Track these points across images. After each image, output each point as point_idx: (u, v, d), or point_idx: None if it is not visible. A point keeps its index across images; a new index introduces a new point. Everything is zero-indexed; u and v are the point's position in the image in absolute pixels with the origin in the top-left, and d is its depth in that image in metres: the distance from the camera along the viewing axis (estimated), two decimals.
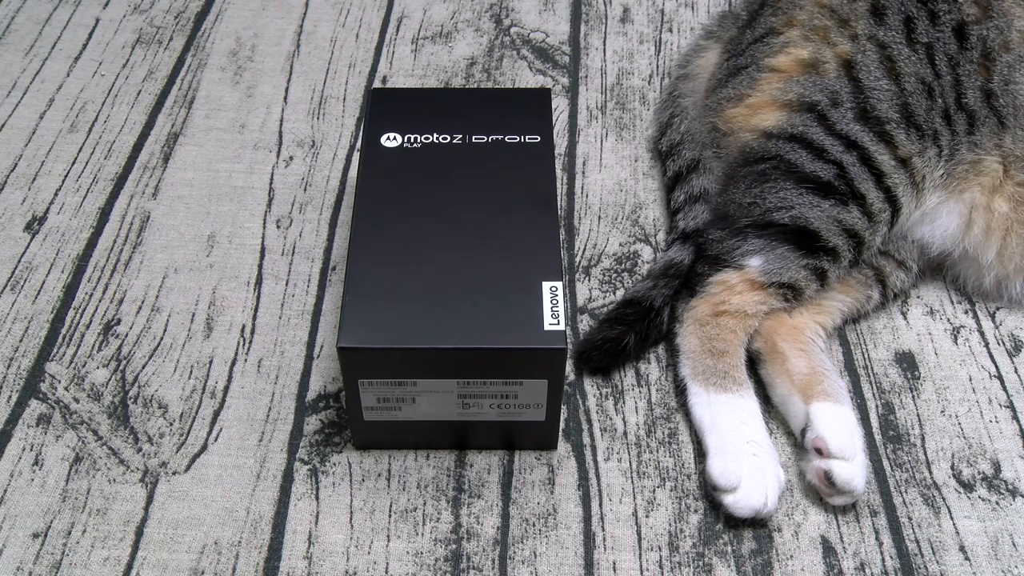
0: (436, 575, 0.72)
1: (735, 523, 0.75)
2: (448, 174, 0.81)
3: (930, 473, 0.78)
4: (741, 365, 0.81)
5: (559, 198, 0.99)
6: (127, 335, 0.86)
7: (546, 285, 0.73)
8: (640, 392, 0.83)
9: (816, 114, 0.86)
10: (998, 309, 0.90)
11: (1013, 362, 0.86)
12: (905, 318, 0.89)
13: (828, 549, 0.73)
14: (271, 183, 1.00)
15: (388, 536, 0.74)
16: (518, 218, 0.77)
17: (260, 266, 0.93)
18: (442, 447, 0.79)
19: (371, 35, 1.18)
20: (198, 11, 1.21)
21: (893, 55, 0.86)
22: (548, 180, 0.81)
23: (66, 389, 0.82)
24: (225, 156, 1.03)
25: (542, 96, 0.88)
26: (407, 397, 0.74)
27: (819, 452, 0.75)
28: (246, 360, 0.85)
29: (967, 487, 0.77)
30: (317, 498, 0.76)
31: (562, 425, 0.81)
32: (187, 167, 1.02)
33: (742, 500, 0.73)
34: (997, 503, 0.76)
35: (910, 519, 0.75)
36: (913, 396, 0.83)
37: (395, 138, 0.84)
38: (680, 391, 0.82)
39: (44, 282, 0.91)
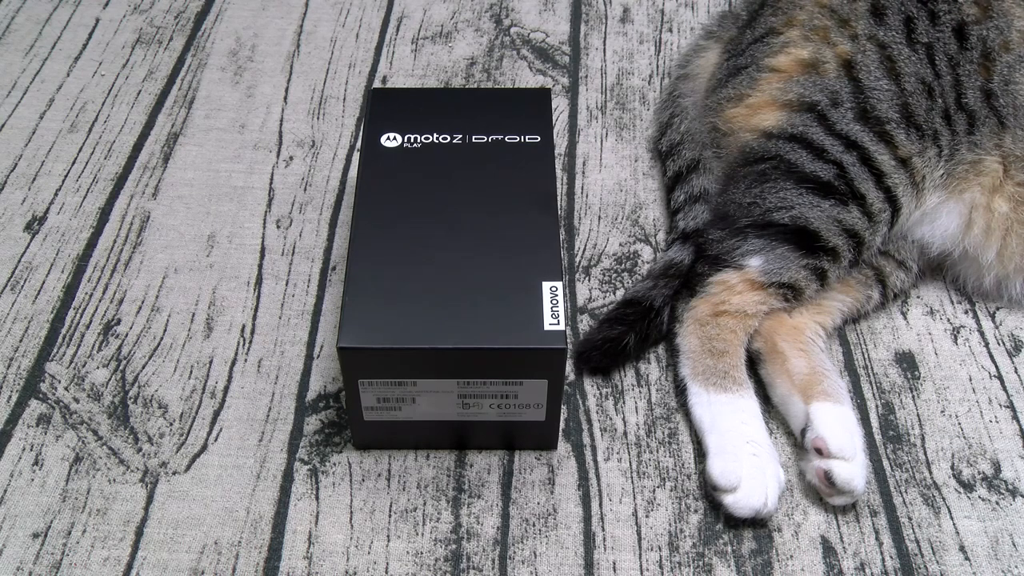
0: (436, 575, 0.72)
1: (735, 523, 0.75)
2: (448, 174, 0.81)
3: (930, 473, 0.78)
4: (741, 365, 0.81)
5: (559, 198, 0.99)
6: (127, 335, 0.86)
7: (546, 285, 0.73)
8: (640, 392, 0.83)
9: (816, 114, 0.86)
10: (998, 309, 0.90)
11: (1013, 362, 0.86)
12: (905, 318, 0.89)
13: (828, 549, 0.73)
14: (271, 183, 1.00)
15: (388, 536, 0.74)
16: (518, 218, 0.77)
17: (260, 266, 0.93)
18: (442, 447, 0.79)
19: (371, 35, 1.18)
20: (198, 11, 1.21)
21: (893, 55, 0.86)
22: (548, 180, 0.81)
23: (66, 389, 0.82)
24: (225, 156, 1.03)
25: (542, 96, 0.88)
26: (407, 397, 0.74)
27: (819, 452, 0.75)
28: (246, 360, 0.85)
29: (967, 487, 0.77)
30: (317, 498, 0.76)
31: (562, 425, 0.81)
32: (187, 167, 1.02)
33: (742, 500, 0.73)
34: (997, 503, 0.76)
35: (910, 519, 0.75)
36: (913, 396, 0.83)
37: (395, 138, 0.84)
38: (680, 391, 0.82)
39: (44, 282, 0.91)
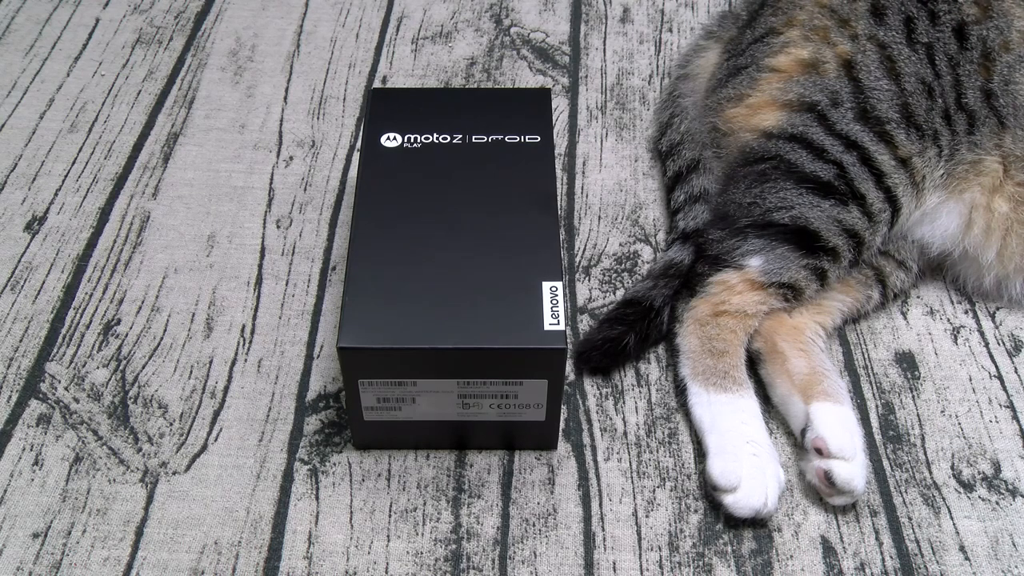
0: (436, 575, 0.72)
1: (735, 523, 0.75)
2: (448, 174, 0.81)
3: (930, 473, 0.78)
4: (741, 365, 0.81)
5: (559, 198, 0.99)
6: (127, 335, 0.86)
7: (546, 285, 0.73)
8: (640, 392, 0.83)
9: (816, 114, 0.86)
10: (998, 309, 0.90)
11: (1013, 362, 0.86)
12: (905, 318, 0.89)
13: (828, 549, 0.73)
14: (271, 183, 1.00)
15: (388, 536, 0.74)
16: (518, 218, 0.77)
17: (260, 266, 0.93)
18: (442, 447, 0.79)
19: (371, 35, 1.18)
20: (198, 11, 1.21)
21: (893, 55, 0.86)
22: (548, 180, 0.81)
23: (66, 389, 0.82)
24: (225, 156, 1.03)
25: (542, 96, 0.88)
26: (407, 397, 0.74)
27: (819, 452, 0.75)
28: (246, 360, 0.85)
29: (967, 487, 0.77)
30: (317, 498, 0.76)
31: (562, 425, 0.81)
32: (187, 167, 1.02)
33: (742, 500, 0.73)
34: (997, 503, 0.76)
35: (910, 519, 0.75)
36: (913, 396, 0.83)
37: (395, 138, 0.84)
38: (680, 391, 0.82)
39: (44, 282, 0.91)
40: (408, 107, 0.87)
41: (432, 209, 0.78)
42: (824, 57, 0.87)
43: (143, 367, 0.84)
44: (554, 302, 0.72)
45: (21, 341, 0.86)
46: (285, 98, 1.10)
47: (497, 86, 1.11)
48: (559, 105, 1.09)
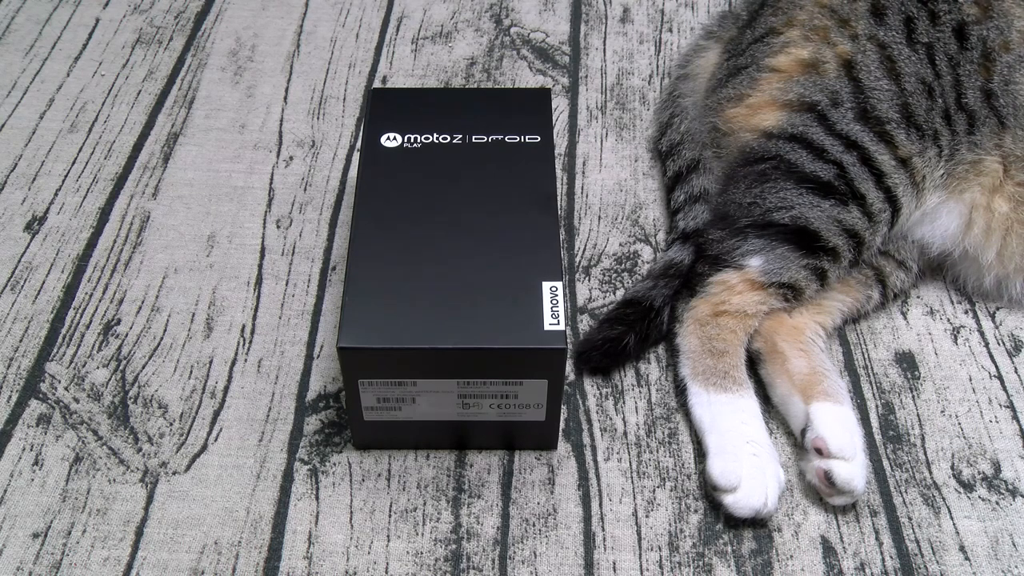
0: (436, 575, 0.72)
1: (735, 523, 0.75)
2: (448, 174, 0.81)
3: (930, 473, 0.78)
4: (741, 365, 0.81)
5: (559, 198, 0.99)
6: (127, 335, 0.86)
7: (546, 285, 0.73)
8: (640, 392, 0.83)
9: (816, 114, 0.86)
10: (998, 309, 0.90)
11: (1013, 362, 0.86)
12: (905, 318, 0.89)
13: (828, 549, 0.73)
14: (271, 183, 1.00)
15: (388, 536, 0.74)
16: (518, 218, 0.77)
17: (260, 266, 0.93)
18: (442, 447, 0.79)
19: (371, 35, 1.18)
20: (198, 11, 1.21)
21: (893, 55, 0.86)
22: (548, 180, 0.81)
23: (66, 389, 0.82)
24: (225, 156, 1.03)
25: (542, 96, 0.88)
26: (407, 397, 0.74)
27: (819, 452, 0.75)
28: (246, 360, 0.85)
29: (967, 487, 0.77)
30: (317, 498, 0.76)
31: (562, 425, 0.81)
32: (187, 167, 1.02)
33: (742, 500, 0.73)
34: (997, 503, 0.76)
35: (910, 519, 0.75)
36: (913, 396, 0.83)
37: (395, 138, 0.84)
38: (680, 391, 0.82)
39: (44, 282, 0.91)
40: (408, 107, 0.87)
41: (432, 209, 0.78)
42: (824, 57, 0.87)
43: (143, 367, 0.84)
44: (554, 302, 0.72)
45: (21, 341, 0.86)
46: (285, 98, 1.10)
47: (497, 86, 1.11)
48: (559, 105, 1.09)
